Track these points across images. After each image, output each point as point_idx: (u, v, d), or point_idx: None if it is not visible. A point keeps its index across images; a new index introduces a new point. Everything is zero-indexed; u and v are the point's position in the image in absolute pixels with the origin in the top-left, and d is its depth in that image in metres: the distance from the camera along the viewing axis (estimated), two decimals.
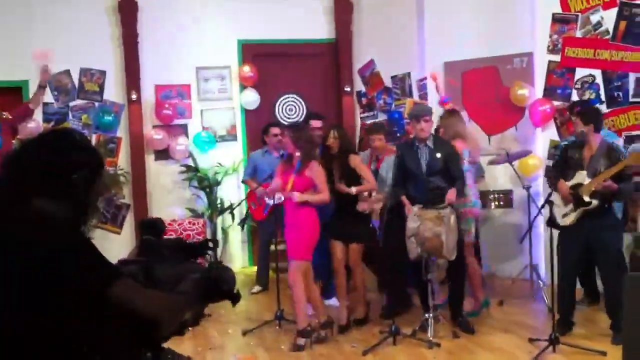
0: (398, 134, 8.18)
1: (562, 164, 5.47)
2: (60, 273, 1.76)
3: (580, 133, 5.37)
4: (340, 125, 6.81)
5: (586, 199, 5.14)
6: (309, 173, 5.42)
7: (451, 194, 5.43)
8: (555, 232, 5.18)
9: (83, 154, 1.98)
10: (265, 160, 7.12)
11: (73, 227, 1.93)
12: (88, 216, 2.03)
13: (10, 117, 6.53)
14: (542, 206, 5.14)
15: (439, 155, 5.60)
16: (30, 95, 7.68)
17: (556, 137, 7.05)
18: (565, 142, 5.97)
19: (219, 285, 2.07)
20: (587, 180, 5.15)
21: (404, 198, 5.60)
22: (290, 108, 8.76)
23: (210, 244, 2.34)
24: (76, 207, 1.95)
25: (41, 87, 6.70)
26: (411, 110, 6.23)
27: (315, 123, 6.60)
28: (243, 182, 7.52)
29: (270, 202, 6.62)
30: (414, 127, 5.69)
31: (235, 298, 2.13)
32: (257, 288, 7.31)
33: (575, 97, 7.00)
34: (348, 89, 8.78)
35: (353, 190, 5.71)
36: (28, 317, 1.78)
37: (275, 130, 7.20)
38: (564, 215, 5.25)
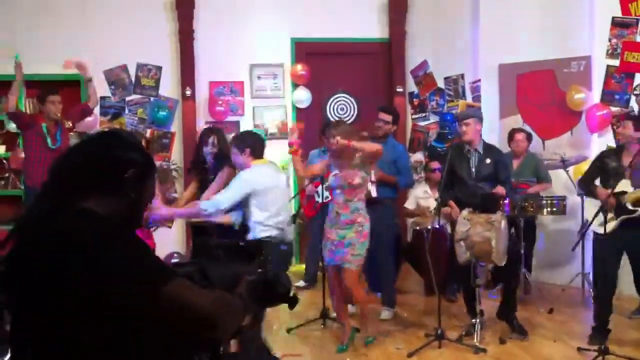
0: (449, 137, 8.10)
1: (596, 171, 5.43)
2: (109, 272, 1.73)
3: (628, 138, 5.27)
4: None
5: (630, 207, 5.04)
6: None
7: (500, 188, 5.43)
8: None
9: (134, 153, 1.96)
10: (322, 159, 7.13)
11: (124, 227, 1.90)
12: (139, 216, 2.03)
13: (71, 124, 6.73)
14: (596, 215, 5.04)
15: (488, 160, 5.56)
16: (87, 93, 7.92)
17: (613, 144, 6.88)
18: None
19: (275, 288, 2.04)
20: (630, 189, 5.06)
21: (451, 202, 5.57)
22: (342, 107, 8.76)
23: (263, 250, 2.32)
24: (127, 206, 1.94)
25: (89, 81, 6.86)
26: (458, 112, 6.22)
27: (383, 116, 6.38)
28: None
29: (319, 199, 6.74)
30: (459, 129, 5.68)
31: (292, 301, 2.10)
32: (301, 282, 7.36)
33: (633, 103, 6.83)
34: (400, 90, 8.73)
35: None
36: (77, 318, 1.75)
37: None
38: (602, 224, 5.14)
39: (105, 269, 1.73)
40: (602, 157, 5.47)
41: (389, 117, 6.26)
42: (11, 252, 1.87)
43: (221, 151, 5.18)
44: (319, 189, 6.86)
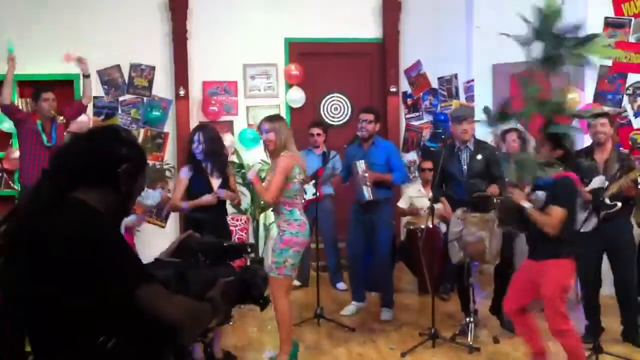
0: (443, 136, 8.12)
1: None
2: (93, 266, 1.80)
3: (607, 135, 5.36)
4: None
5: (608, 201, 5.13)
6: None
7: (494, 187, 5.45)
8: None
9: (128, 148, 2.02)
10: (307, 157, 7.17)
11: (112, 220, 1.99)
12: (127, 208, 2.10)
13: (64, 121, 6.70)
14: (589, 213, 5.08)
15: (479, 157, 5.58)
16: (81, 90, 7.89)
17: None
18: None
19: (249, 290, 2.09)
20: (605, 184, 5.15)
21: (442, 198, 5.61)
22: (336, 107, 8.76)
23: (249, 248, 2.35)
24: (118, 199, 2.00)
25: (86, 77, 6.84)
26: (452, 112, 6.21)
27: (365, 116, 6.39)
28: None
29: (307, 195, 6.73)
30: (455, 129, 5.67)
31: (263, 303, 2.16)
32: (296, 282, 7.36)
33: (626, 102, 6.86)
34: (394, 89, 8.74)
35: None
36: (56, 308, 1.83)
37: (314, 130, 7.32)
38: (584, 222, 5.18)
39: (91, 264, 1.80)
40: (576, 156, 5.52)
41: (370, 116, 6.27)
42: (4, 239, 1.90)
43: (208, 147, 5.16)
44: (306, 186, 6.91)
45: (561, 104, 4.47)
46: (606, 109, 6.93)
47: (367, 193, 6.04)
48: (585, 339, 5.20)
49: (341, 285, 7.33)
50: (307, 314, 6.11)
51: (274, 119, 5.07)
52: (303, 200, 6.90)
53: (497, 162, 5.61)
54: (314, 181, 6.43)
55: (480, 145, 5.71)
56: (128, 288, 1.82)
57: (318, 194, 6.40)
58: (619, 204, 5.13)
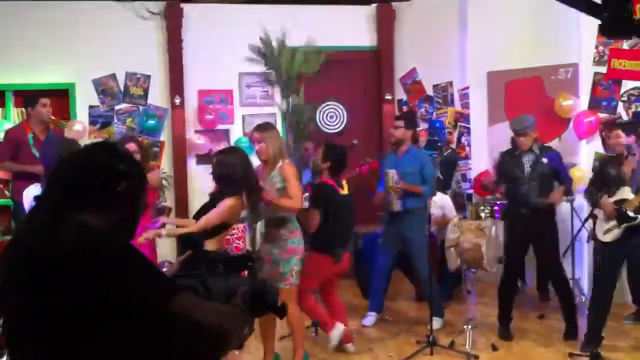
0: (439, 144, 8.13)
1: (600, 180, 5.44)
2: (107, 287, 1.72)
3: (627, 147, 5.27)
4: None
5: (631, 214, 5.06)
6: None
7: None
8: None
9: (126, 165, 1.96)
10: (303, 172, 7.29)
11: (118, 239, 1.90)
12: (133, 227, 2.02)
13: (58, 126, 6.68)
14: (586, 220, 5.09)
15: (545, 160, 5.64)
16: (77, 98, 7.88)
17: (601, 150, 6.93)
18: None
19: (266, 298, 2.06)
20: (631, 196, 5.07)
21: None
22: (331, 115, 8.75)
23: (253, 258, 2.33)
24: (120, 219, 1.94)
25: None
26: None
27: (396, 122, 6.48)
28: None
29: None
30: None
31: (281, 310, 2.12)
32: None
33: (621, 109, 6.89)
34: (389, 97, 8.76)
35: None
36: (76, 335, 1.74)
37: (307, 144, 7.52)
38: (607, 232, 5.16)
39: (114, 287, 1.72)
40: (603, 166, 5.50)
41: (400, 122, 6.29)
42: (6, 265, 1.86)
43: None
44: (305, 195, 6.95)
45: None
46: (601, 115, 6.98)
47: (398, 203, 5.98)
48: (584, 346, 5.19)
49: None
50: (305, 322, 6.09)
51: (264, 127, 5.01)
52: None
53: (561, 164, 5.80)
54: (306, 195, 6.48)
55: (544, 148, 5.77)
56: (159, 302, 1.74)
57: None
58: None
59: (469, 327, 5.41)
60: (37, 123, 6.55)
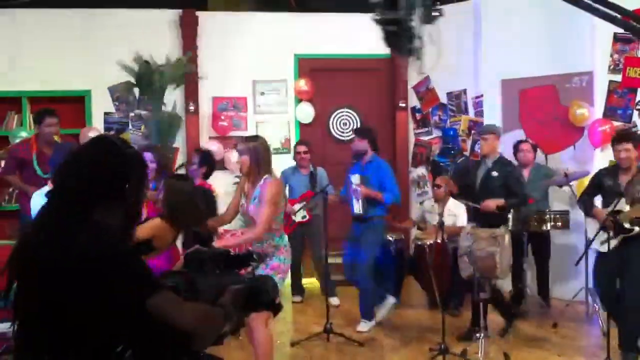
0: (452, 152, 8.14)
1: (594, 190, 5.50)
2: (109, 282, 1.83)
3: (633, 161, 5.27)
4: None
5: (627, 225, 5.05)
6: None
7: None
8: None
9: (131, 160, 2.04)
10: (295, 177, 7.45)
11: (122, 236, 1.98)
12: (134, 224, 2.10)
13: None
14: (598, 231, 5.07)
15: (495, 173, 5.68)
16: (93, 104, 7.94)
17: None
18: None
19: (259, 296, 2.11)
20: (625, 207, 5.07)
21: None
22: (345, 122, 8.79)
23: (254, 257, 2.36)
24: (126, 215, 2.01)
25: None
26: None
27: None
28: None
29: (295, 218, 7.17)
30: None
31: (275, 309, 2.17)
32: (298, 298, 7.54)
33: (636, 118, 6.85)
34: (403, 105, 8.76)
35: None
36: (73, 323, 1.84)
37: (300, 147, 7.50)
38: (603, 242, 5.15)
39: (108, 281, 1.82)
40: (600, 175, 5.51)
41: (355, 136, 6.48)
42: (17, 260, 1.91)
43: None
44: (296, 206, 7.02)
45: None
46: (616, 124, 6.94)
47: (357, 206, 6.14)
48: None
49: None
50: (317, 329, 6.10)
51: (250, 139, 4.78)
52: (293, 222, 7.07)
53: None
54: (303, 203, 6.73)
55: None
56: (139, 297, 1.84)
57: (307, 217, 6.80)
58: (637, 229, 5.04)
59: (481, 335, 5.39)
60: (43, 142, 6.54)
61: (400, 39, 2.88)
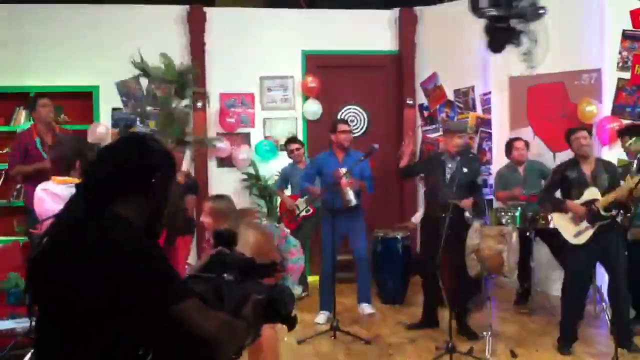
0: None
1: (555, 184, 5.59)
2: (131, 281, 1.80)
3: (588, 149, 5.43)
4: None
5: (603, 212, 5.16)
6: None
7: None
8: None
9: (159, 157, 2.03)
10: (294, 173, 7.52)
11: (151, 230, 1.98)
12: (161, 221, 2.08)
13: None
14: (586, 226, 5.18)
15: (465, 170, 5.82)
16: (100, 100, 7.96)
17: (624, 156, 6.85)
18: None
19: (278, 309, 2.10)
20: (599, 195, 5.18)
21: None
22: (352, 119, 8.77)
23: (278, 267, 2.34)
24: (153, 209, 2.00)
25: None
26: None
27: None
28: (274, 193, 8.02)
29: (299, 212, 7.24)
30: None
31: (291, 322, 2.15)
32: (304, 293, 7.56)
33: None
34: (410, 102, 8.75)
35: None
36: (92, 322, 1.82)
37: (292, 145, 7.67)
38: (577, 234, 5.25)
39: (130, 280, 1.80)
40: (561, 170, 5.57)
41: (345, 126, 6.66)
42: (41, 253, 1.92)
43: None
44: (299, 201, 7.09)
45: None
46: (625, 122, 6.91)
47: (351, 197, 6.31)
48: (560, 348, 5.37)
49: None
50: (324, 326, 6.10)
51: (218, 199, 4.40)
52: (297, 217, 7.12)
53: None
54: (306, 197, 6.99)
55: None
56: (167, 303, 1.82)
57: (311, 210, 6.90)
58: (614, 214, 5.18)
59: (489, 333, 5.38)
60: (41, 125, 6.58)
61: (511, 35, 3.11)
